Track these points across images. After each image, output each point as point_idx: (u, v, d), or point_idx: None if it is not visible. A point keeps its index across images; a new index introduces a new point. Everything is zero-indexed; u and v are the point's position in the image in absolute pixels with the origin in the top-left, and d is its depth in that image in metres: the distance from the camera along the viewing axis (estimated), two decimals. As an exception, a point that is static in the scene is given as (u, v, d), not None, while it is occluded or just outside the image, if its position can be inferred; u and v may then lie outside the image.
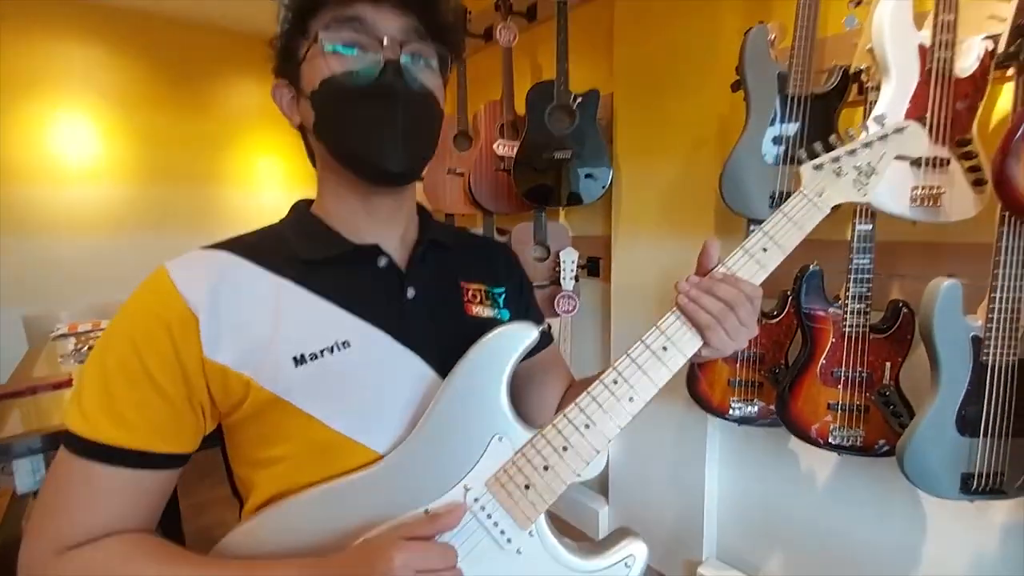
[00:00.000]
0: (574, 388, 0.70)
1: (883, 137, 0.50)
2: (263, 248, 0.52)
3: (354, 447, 0.49)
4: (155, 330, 0.45)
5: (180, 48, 2.72)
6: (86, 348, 1.78)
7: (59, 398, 1.32)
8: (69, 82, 2.49)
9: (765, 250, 0.49)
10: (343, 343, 0.49)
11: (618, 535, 0.53)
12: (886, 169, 0.50)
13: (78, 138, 2.54)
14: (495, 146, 1.86)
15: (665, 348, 0.48)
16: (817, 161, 0.50)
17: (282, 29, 0.52)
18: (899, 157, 0.52)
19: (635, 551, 0.51)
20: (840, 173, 0.50)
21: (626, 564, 0.50)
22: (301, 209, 0.58)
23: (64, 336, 1.92)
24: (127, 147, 2.65)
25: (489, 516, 0.48)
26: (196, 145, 2.81)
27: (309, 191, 0.59)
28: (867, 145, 0.50)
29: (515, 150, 1.77)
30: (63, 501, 0.44)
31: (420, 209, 0.62)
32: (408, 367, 0.52)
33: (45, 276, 2.45)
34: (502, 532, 0.48)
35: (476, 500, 0.48)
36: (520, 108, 1.80)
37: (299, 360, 0.47)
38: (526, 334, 0.50)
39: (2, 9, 2.29)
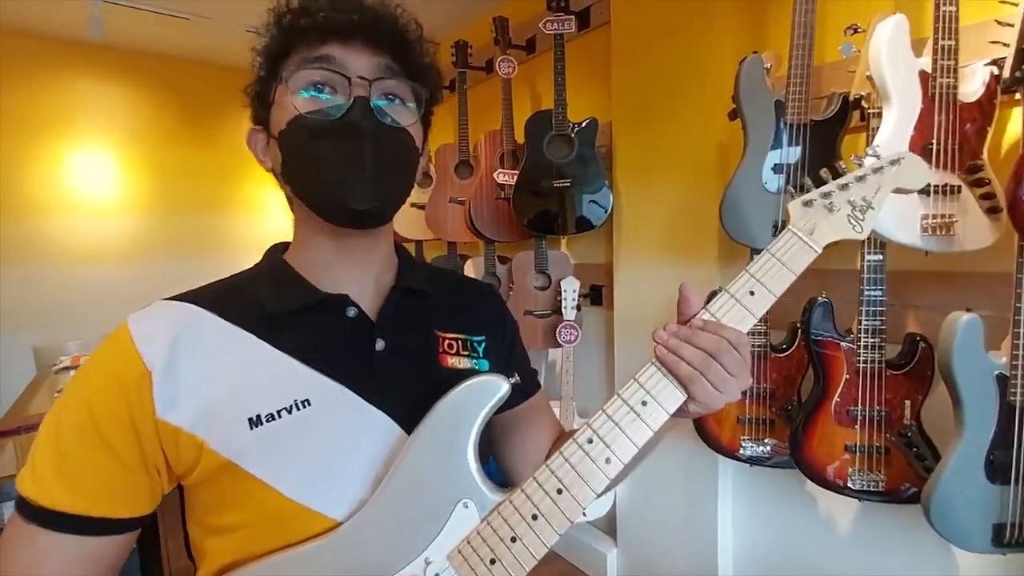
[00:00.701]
0: (561, 440, 0.65)
1: (877, 169, 0.47)
2: (229, 299, 0.50)
3: (311, 516, 0.45)
4: (110, 389, 0.44)
5: (192, 85, 2.83)
6: None
7: None
8: (88, 119, 2.59)
9: (752, 293, 0.45)
10: (303, 402, 0.46)
11: None
12: (883, 203, 0.47)
13: (96, 172, 2.63)
14: (495, 175, 1.86)
15: (644, 403, 0.44)
16: (806, 197, 0.47)
17: (256, 76, 0.51)
18: (898, 190, 0.48)
19: None
20: (832, 209, 0.46)
21: None
22: (275, 254, 0.55)
23: (66, 369, 1.91)
24: (143, 180, 2.74)
25: None
26: (208, 176, 2.89)
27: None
28: (860, 179, 0.47)
29: (515, 178, 1.77)
30: (10, 566, 0.43)
31: (400, 251, 0.59)
32: (372, 425, 0.48)
33: (59, 306, 2.50)
34: None
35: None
36: (520, 137, 1.80)
37: (255, 422, 0.45)
38: (495, 388, 0.46)
39: (23, 51, 2.41)
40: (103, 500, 0.44)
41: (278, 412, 0.45)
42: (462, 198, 2.01)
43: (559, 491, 0.43)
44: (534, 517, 0.43)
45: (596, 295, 1.88)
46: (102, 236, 2.65)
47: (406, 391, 0.50)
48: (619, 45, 1.65)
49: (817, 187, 0.48)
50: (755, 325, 1.26)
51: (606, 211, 1.69)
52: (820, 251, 0.46)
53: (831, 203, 0.46)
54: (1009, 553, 0.87)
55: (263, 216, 3.08)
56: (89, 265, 2.59)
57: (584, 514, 0.44)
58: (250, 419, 0.44)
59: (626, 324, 1.70)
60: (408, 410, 0.49)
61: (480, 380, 0.46)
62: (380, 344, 0.51)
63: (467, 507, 0.44)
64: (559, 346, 1.78)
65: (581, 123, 1.70)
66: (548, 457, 0.61)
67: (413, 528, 0.44)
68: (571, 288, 1.75)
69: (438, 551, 0.43)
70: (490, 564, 0.43)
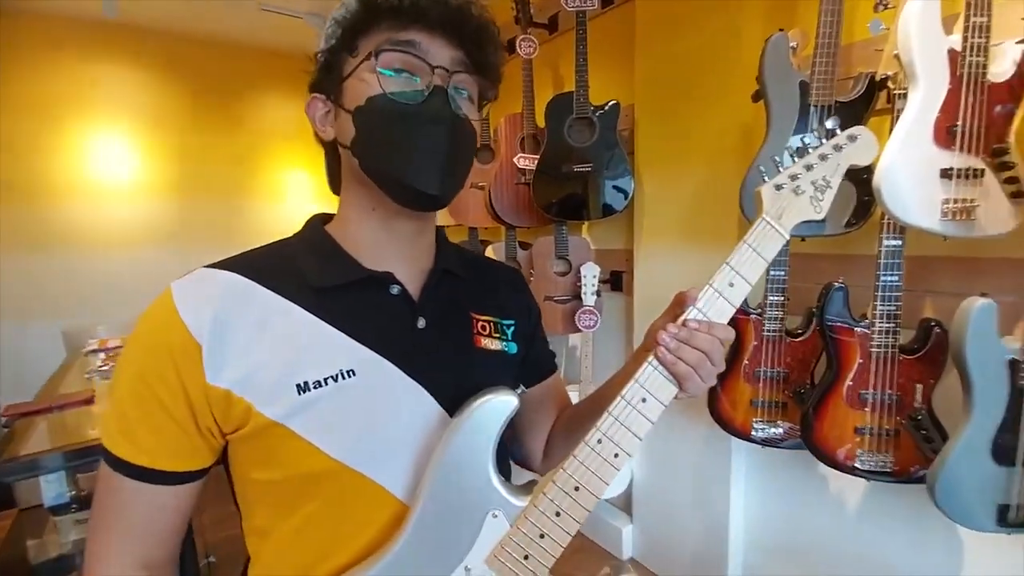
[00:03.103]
0: (566, 415, 0.69)
1: (838, 147, 0.47)
2: (272, 269, 0.51)
3: (354, 476, 0.48)
4: (160, 357, 0.46)
5: (212, 67, 2.80)
6: (112, 365, 1.75)
7: (84, 415, 1.31)
8: (106, 102, 2.58)
9: (732, 285, 0.47)
10: (348, 371, 0.49)
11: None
12: (838, 183, 0.47)
13: (116, 156, 2.59)
14: (515, 159, 1.87)
15: (644, 400, 0.48)
16: (776, 180, 0.47)
17: (327, 44, 0.52)
18: (851, 167, 0.48)
19: None
20: (799, 192, 0.47)
21: None
22: (315, 227, 0.56)
23: (95, 352, 1.94)
24: (163, 164, 2.73)
25: None
26: (228, 160, 2.88)
27: (335, 204, 0.56)
28: (823, 158, 0.47)
29: (535, 163, 1.78)
30: (98, 505, 0.49)
31: (438, 234, 0.61)
32: (413, 399, 0.51)
33: (85, 290, 2.51)
34: None
35: None
36: (541, 120, 1.81)
37: (302, 388, 0.47)
38: (508, 405, 0.49)
39: (37, 33, 2.39)
40: (163, 455, 0.47)
41: (324, 380, 0.48)
42: (483, 183, 2.02)
43: (576, 488, 0.48)
44: (557, 514, 0.48)
45: (616, 281, 1.89)
46: (124, 221, 2.63)
47: (444, 368, 0.53)
48: (644, 24, 1.62)
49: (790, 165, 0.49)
50: (772, 311, 1.26)
51: (627, 196, 1.69)
52: (788, 236, 0.48)
53: (798, 186, 0.47)
54: (1013, 533, 0.88)
55: (281, 202, 3.06)
56: (112, 250, 2.59)
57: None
58: (298, 385, 0.47)
59: (645, 310, 1.71)
60: (444, 385, 0.52)
61: (494, 399, 0.49)
62: (422, 322, 0.54)
63: (496, 517, 0.49)
64: (579, 331, 1.81)
65: (603, 106, 1.68)
66: (550, 442, 0.65)
67: (451, 542, 0.49)
68: (591, 274, 1.77)
69: (476, 558, 0.49)
70: (524, 560, 0.48)
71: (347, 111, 0.50)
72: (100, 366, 1.76)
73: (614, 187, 1.69)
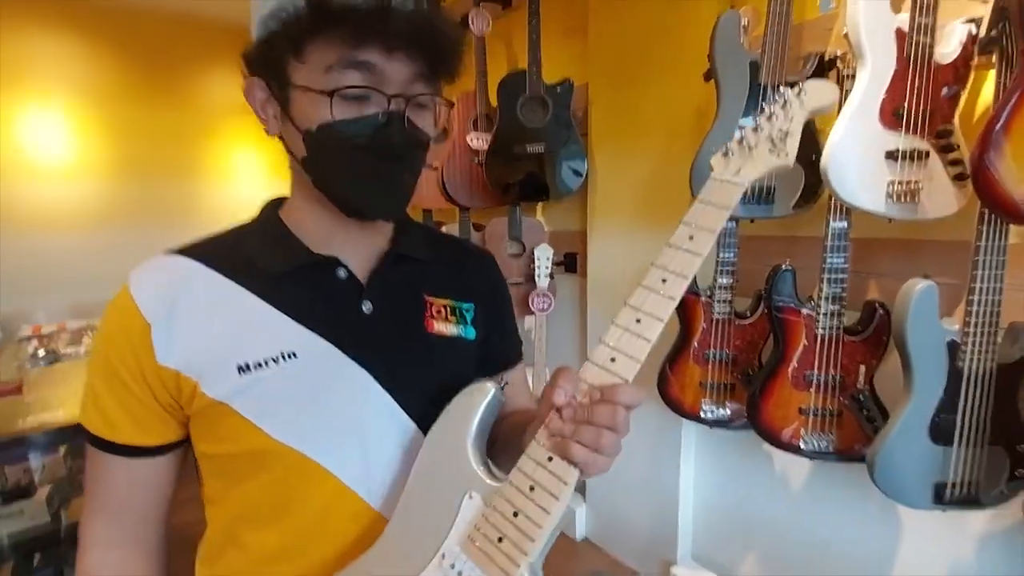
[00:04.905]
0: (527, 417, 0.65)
1: (784, 105, 0.48)
2: (224, 254, 0.53)
3: (298, 457, 0.50)
4: (119, 340, 0.50)
5: (155, 40, 2.65)
6: (44, 352, 1.74)
7: (12, 405, 1.29)
8: (40, 75, 2.43)
9: (692, 237, 0.47)
10: (289, 354, 0.50)
11: None
12: (801, 126, 0.47)
13: (50, 133, 2.48)
14: (468, 139, 1.80)
15: (613, 359, 0.46)
16: (724, 148, 0.48)
17: (267, 28, 0.48)
18: (814, 112, 0.48)
19: None
20: (753, 147, 0.47)
21: None
22: (269, 212, 0.58)
23: (28, 339, 1.91)
24: (102, 142, 2.60)
25: None
26: (173, 139, 2.76)
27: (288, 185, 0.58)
28: (770, 118, 0.48)
29: (488, 143, 1.71)
30: (86, 482, 0.54)
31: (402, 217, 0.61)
32: (355, 382, 0.52)
33: (22, 274, 2.39)
34: None
35: (453, 567, 0.46)
36: (495, 99, 1.74)
37: (243, 368, 0.49)
38: (485, 392, 0.50)
39: None
40: (133, 430, 0.51)
41: (265, 361, 0.49)
42: (435, 164, 1.95)
43: (549, 459, 0.45)
44: (531, 488, 0.45)
45: (571, 263, 1.86)
46: (59, 201, 2.51)
47: (388, 352, 0.54)
48: (596, 1, 1.57)
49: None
50: (721, 292, 1.26)
51: (581, 177, 1.65)
52: (747, 185, 0.47)
53: (748, 144, 0.47)
54: (948, 510, 0.91)
55: (231, 182, 2.95)
56: (49, 232, 2.46)
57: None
58: (239, 366, 0.49)
59: (599, 292, 1.69)
60: (388, 369, 0.53)
61: (471, 387, 0.51)
62: (367, 306, 0.54)
63: (472, 498, 0.48)
64: (533, 314, 1.77)
65: (556, 85, 1.64)
66: (505, 429, 0.60)
67: (430, 529, 0.48)
68: (545, 256, 1.74)
69: (452, 544, 0.47)
70: (498, 542, 0.45)
71: (297, 129, 0.50)
72: (32, 354, 1.72)
73: (568, 168, 1.65)
